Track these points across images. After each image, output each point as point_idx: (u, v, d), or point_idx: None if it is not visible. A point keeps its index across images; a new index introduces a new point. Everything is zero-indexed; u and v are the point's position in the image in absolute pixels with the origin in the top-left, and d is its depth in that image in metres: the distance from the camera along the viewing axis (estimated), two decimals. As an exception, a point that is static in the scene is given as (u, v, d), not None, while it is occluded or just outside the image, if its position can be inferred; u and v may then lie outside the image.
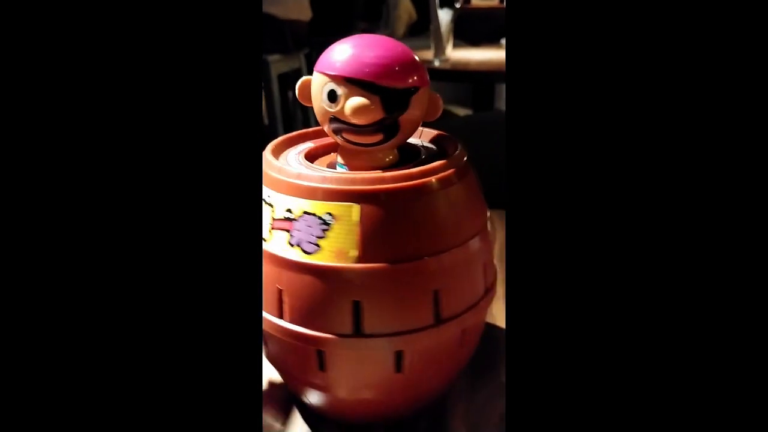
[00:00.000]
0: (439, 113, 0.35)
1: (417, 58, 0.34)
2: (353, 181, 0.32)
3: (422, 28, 2.40)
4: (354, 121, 0.32)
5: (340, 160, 0.37)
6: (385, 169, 0.35)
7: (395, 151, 0.37)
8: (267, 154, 0.37)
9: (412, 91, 0.33)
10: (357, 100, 0.32)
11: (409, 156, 0.38)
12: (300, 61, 2.02)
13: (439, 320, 0.33)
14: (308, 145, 0.41)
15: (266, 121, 1.97)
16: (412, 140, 0.39)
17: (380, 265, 0.31)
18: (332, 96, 0.33)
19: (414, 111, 0.34)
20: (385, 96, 0.32)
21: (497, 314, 0.49)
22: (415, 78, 0.33)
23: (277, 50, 1.86)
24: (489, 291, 0.37)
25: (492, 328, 0.46)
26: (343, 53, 0.33)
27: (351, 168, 0.36)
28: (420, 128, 0.40)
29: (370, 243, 0.31)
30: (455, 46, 2.01)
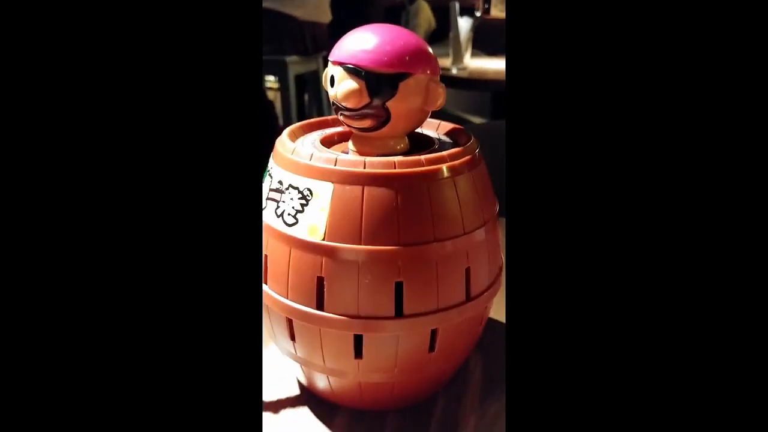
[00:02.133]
0: (439, 103, 0.34)
1: (426, 48, 0.34)
2: (356, 164, 0.32)
3: (441, 36, 2.41)
4: (343, 104, 0.33)
5: (351, 146, 0.37)
6: (394, 155, 0.34)
7: (405, 139, 0.37)
8: (283, 135, 0.37)
9: (400, 76, 0.33)
10: (344, 84, 0.33)
11: (423, 146, 0.38)
12: (318, 63, 2.02)
13: (468, 298, 0.34)
14: (328, 131, 0.41)
15: (281, 121, 1.97)
16: (427, 132, 0.40)
17: (418, 246, 0.32)
18: (332, 80, 0.34)
19: (405, 98, 0.33)
20: (369, 80, 0.33)
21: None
22: (405, 64, 0.33)
23: (295, 51, 1.86)
24: (499, 275, 0.38)
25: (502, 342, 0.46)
26: (344, 40, 0.34)
27: (360, 154, 0.37)
28: (437, 122, 0.41)
29: (375, 224, 0.32)
30: (473, 55, 2.02)
